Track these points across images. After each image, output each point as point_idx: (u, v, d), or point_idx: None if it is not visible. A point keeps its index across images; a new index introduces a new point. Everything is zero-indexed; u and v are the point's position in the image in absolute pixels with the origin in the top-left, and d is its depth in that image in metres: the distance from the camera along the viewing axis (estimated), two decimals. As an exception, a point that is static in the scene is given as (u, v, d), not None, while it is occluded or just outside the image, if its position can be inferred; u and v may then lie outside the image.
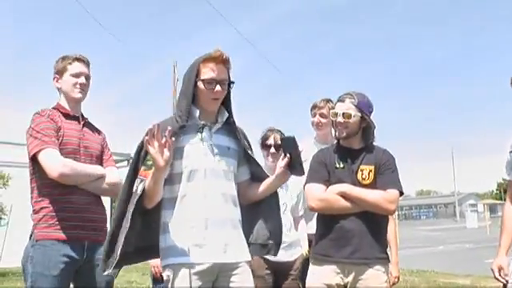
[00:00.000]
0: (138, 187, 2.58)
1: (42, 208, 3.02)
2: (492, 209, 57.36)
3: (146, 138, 2.38)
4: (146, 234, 2.68)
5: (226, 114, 2.79)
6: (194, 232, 2.59)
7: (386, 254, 3.25)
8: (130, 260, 2.71)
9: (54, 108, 3.20)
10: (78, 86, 3.18)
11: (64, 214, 2.99)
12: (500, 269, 3.26)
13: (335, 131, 3.32)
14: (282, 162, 2.76)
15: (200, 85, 2.67)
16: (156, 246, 2.68)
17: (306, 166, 3.23)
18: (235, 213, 2.74)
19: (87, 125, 3.28)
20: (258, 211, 2.90)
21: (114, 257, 2.53)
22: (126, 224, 2.51)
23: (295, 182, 3.56)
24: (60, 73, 3.20)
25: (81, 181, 3.02)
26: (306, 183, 3.26)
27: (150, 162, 2.57)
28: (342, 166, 3.23)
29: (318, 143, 4.24)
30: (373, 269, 3.11)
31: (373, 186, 3.17)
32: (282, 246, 2.96)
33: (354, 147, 3.28)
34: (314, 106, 4.28)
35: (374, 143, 3.34)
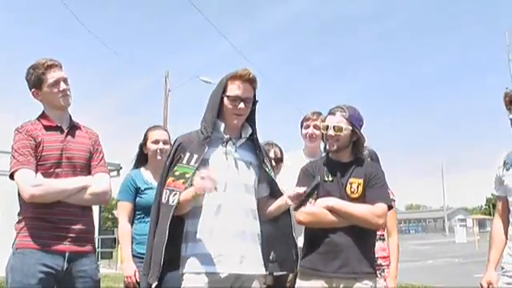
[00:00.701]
0: (171, 198, 2.71)
1: (23, 218, 3.01)
2: (481, 224, 57.62)
3: (202, 175, 2.54)
4: (171, 245, 2.74)
5: (250, 130, 2.94)
6: (213, 242, 2.70)
7: (374, 268, 3.23)
8: (160, 270, 2.81)
9: (37, 118, 3.17)
10: (60, 94, 3.12)
11: (44, 224, 2.97)
12: (489, 284, 3.28)
13: (326, 144, 3.31)
14: (297, 190, 2.85)
15: (225, 100, 2.83)
16: (178, 257, 2.80)
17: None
18: (254, 226, 2.87)
19: (73, 132, 3.22)
20: (277, 228, 3.02)
21: (157, 268, 2.69)
22: (164, 236, 2.66)
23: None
24: (37, 86, 3.12)
25: (55, 199, 2.99)
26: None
27: (177, 173, 2.77)
28: (330, 179, 3.22)
29: (305, 155, 4.23)
30: (361, 283, 3.09)
31: (361, 199, 3.16)
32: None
33: (344, 160, 3.27)
34: (307, 119, 4.27)
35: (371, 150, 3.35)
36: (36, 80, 3.10)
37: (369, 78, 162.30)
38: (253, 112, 2.94)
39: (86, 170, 3.20)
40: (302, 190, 2.82)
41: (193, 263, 2.71)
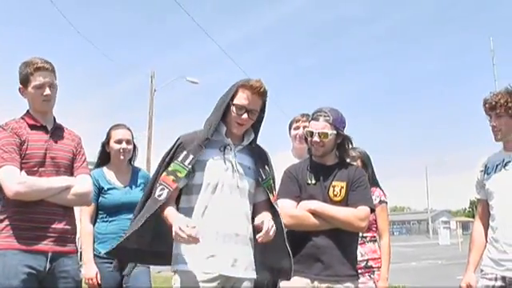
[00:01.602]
0: (162, 194, 2.74)
1: (5, 218, 2.98)
2: (464, 226, 58.04)
3: (180, 232, 2.53)
4: (165, 239, 2.81)
5: (253, 136, 2.97)
6: (206, 243, 2.66)
7: (356, 271, 3.26)
8: (144, 260, 3.00)
9: (22, 117, 3.16)
10: (42, 98, 3.11)
11: (26, 224, 2.95)
12: (468, 286, 3.33)
13: (310, 149, 3.32)
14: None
15: (232, 107, 2.84)
16: (169, 253, 2.84)
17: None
18: (247, 229, 2.86)
19: (57, 133, 3.22)
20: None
21: (118, 248, 2.78)
22: (140, 221, 2.71)
23: None
24: (24, 83, 3.12)
25: (39, 197, 2.97)
26: (277, 198, 3.26)
27: (171, 169, 2.80)
28: (313, 182, 3.23)
29: (294, 156, 4.24)
30: (342, 286, 3.11)
31: (344, 203, 3.17)
32: None
33: (328, 163, 3.28)
34: (297, 120, 4.26)
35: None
36: (24, 77, 3.10)
37: (356, 80, 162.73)
38: (259, 121, 2.98)
39: (69, 170, 3.19)
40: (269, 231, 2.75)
41: (185, 261, 2.72)
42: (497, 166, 3.35)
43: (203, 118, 2.98)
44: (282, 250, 2.94)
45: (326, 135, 3.18)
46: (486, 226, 3.39)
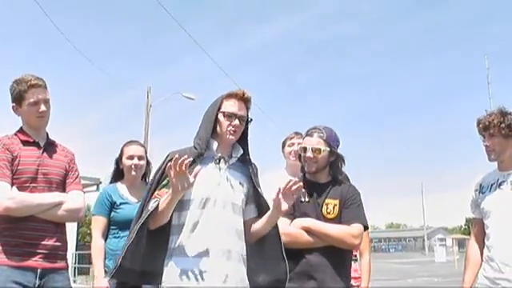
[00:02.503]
0: (151, 205, 2.70)
1: None
2: (460, 243, 57.96)
3: (169, 164, 2.53)
4: (153, 258, 2.78)
5: (241, 151, 2.95)
6: (197, 259, 2.66)
7: (349, 287, 3.24)
8: (135, 279, 2.88)
9: (15, 133, 3.17)
10: (38, 114, 3.13)
11: (15, 240, 2.94)
12: (464, 305, 3.30)
13: (304, 166, 3.33)
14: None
15: (220, 117, 2.86)
16: (160, 272, 2.76)
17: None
18: (240, 246, 2.82)
19: (50, 149, 3.22)
20: (265, 249, 2.97)
21: (115, 266, 2.70)
22: (131, 235, 2.68)
23: None
24: (17, 101, 3.12)
25: (30, 212, 2.97)
26: None
27: (164, 183, 2.74)
28: (307, 199, 3.24)
29: (289, 174, 4.24)
30: None
31: (337, 220, 3.17)
32: None
33: (321, 181, 3.30)
34: (291, 138, 4.30)
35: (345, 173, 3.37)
36: (17, 95, 3.10)
37: (351, 98, 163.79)
38: (245, 132, 2.98)
39: (62, 186, 3.18)
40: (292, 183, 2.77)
41: (175, 278, 2.68)
42: (492, 185, 3.37)
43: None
44: (278, 260, 2.92)
45: (319, 151, 3.21)
46: (482, 245, 3.39)
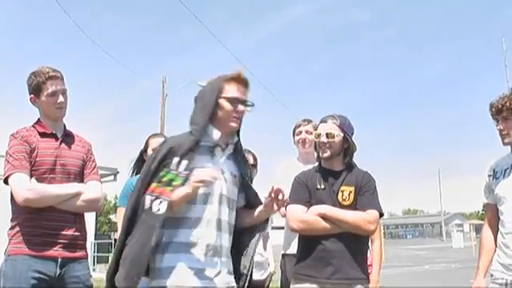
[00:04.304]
0: (156, 207, 2.50)
1: (16, 224, 3.03)
2: (478, 229, 57.57)
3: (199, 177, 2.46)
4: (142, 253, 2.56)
5: (236, 138, 2.85)
6: (193, 256, 2.59)
7: (366, 274, 3.25)
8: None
9: (33, 125, 3.21)
10: (56, 105, 3.17)
11: (36, 230, 2.99)
12: (478, 291, 3.30)
13: (318, 152, 3.34)
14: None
15: (223, 102, 2.71)
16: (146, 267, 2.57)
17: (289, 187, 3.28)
18: (229, 241, 2.77)
19: (67, 140, 3.26)
20: (245, 241, 2.92)
21: (137, 272, 2.46)
22: (148, 248, 2.47)
23: None
24: (35, 92, 3.16)
25: (49, 203, 3.01)
26: (287, 204, 3.28)
27: (164, 179, 2.56)
28: (323, 186, 3.25)
29: (301, 162, 4.27)
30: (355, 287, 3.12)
31: (353, 206, 3.18)
32: (254, 265, 3.00)
33: (336, 169, 3.31)
34: (299, 125, 4.35)
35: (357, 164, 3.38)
36: (36, 87, 3.14)
37: (368, 84, 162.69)
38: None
39: (80, 177, 3.22)
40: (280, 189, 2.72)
41: (169, 275, 2.55)
42: (505, 170, 3.34)
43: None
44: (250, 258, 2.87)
45: (333, 135, 3.23)
46: (495, 230, 3.38)
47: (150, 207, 2.51)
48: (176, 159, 2.61)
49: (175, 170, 2.59)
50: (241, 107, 2.73)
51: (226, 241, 2.75)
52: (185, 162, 2.60)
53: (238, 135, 2.87)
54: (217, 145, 2.75)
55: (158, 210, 2.49)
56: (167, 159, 2.63)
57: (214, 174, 2.49)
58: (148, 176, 2.63)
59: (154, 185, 2.57)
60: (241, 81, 2.76)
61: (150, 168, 2.64)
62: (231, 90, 2.73)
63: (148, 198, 2.54)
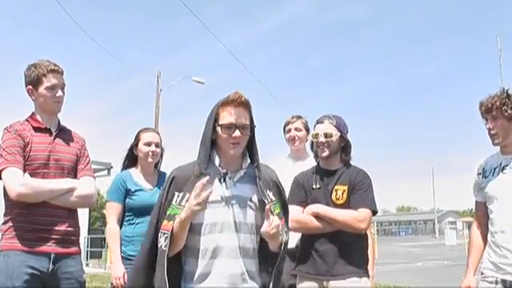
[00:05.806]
0: (163, 243, 2.47)
1: (9, 219, 3.03)
2: (470, 227, 57.96)
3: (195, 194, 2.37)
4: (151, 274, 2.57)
5: (249, 160, 2.65)
6: (209, 285, 2.49)
7: (362, 268, 3.28)
8: None
9: (26, 119, 3.19)
10: (54, 99, 3.16)
11: (29, 225, 2.98)
12: (468, 289, 3.33)
13: (317, 151, 3.40)
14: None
15: (219, 130, 2.54)
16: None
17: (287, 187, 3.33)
18: (249, 265, 2.58)
19: (61, 135, 3.25)
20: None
21: None
22: (165, 285, 2.42)
23: None
24: (34, 84, 3.14)
25: (42, 198, 3.00)
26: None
27: (170, 213, 2.51)
28: (318, 186, 3.34)
29: (292, 159, 4.30)
30: (349, 280, 3.18)
31: (346, 205, 3.24)
32: None
33: (332, 168, 3.38)
34: (287, 123, 4.36)
35: (352, 163, 3.42)
36: (35, 79, 3.12)
37: (363, 81, 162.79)
38: (252, 138, 2.63)
39: (73, 172, 3.22)
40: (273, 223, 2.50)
41: None
42: (494, 169, 3.33)
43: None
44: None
45: (330, 135, 3.32)
46: (485, 228, 3.39)
47: (161, 245, 2.49)
48: (180, 193, 2.55)
49: (177, 205, 2.53)
50: (237, 133, 2.52)
51: (243, 267, 2.56)
52: (188, 195, 2.50)
53: (252, 157, 2.67)
54: (225, 173, 2.59)
55: (165, 246, 2.46)
56: (171, 191, 2.59)
57: (204, 195, 2.36)
58: (160, 209, 2.59)
59: (164, 222, 2.53)
60: (235, 102, 2.55)
61: (161, 201, 2.60)
62: (226, 116, 2.54)
63: (159, 235, 2.52)
